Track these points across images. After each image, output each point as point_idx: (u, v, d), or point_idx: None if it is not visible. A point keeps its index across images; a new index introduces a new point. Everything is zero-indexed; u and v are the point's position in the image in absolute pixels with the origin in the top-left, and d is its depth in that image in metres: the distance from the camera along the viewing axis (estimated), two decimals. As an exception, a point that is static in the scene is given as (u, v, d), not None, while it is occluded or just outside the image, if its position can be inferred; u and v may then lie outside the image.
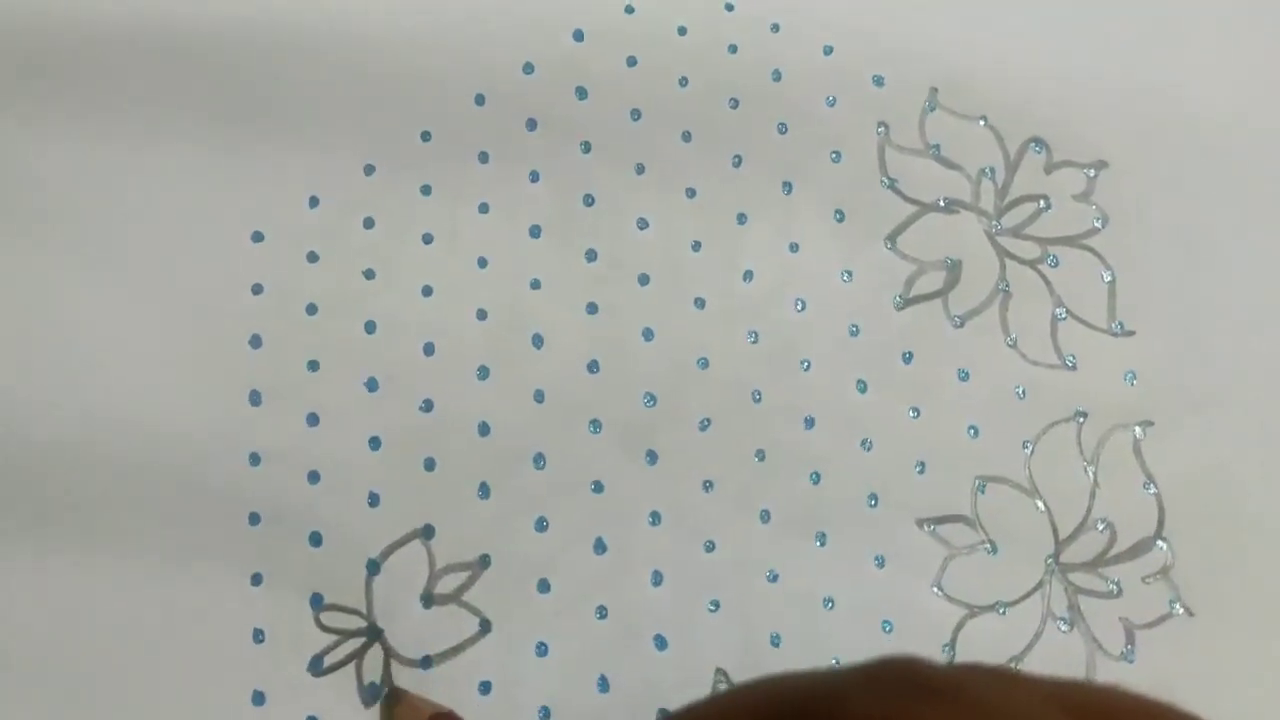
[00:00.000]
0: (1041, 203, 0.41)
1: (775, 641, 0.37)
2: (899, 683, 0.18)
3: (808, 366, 0.39)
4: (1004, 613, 0.38)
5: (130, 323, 0.38)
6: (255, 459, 0.37)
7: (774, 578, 0.37)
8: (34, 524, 0.36)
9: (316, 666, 0.36)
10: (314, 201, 0.40)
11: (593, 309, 0.39)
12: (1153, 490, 0.39)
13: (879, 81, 0.42)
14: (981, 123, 0.42)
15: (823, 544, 0.38)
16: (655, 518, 0.38)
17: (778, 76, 0.42)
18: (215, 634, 0.36)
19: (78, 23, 0.41)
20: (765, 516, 0.38)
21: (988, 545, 0.38)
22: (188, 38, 0.41)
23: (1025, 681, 0.20)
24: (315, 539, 0.36)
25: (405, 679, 0.35)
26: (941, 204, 0.41)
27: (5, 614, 0.35)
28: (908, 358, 0.40)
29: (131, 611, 0.36)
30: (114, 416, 0.37)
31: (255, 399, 0.37)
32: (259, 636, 0.36)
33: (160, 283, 0.39)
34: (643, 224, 0.40)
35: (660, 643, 0.37)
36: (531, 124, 0.41)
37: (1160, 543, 0.38)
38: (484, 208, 0.40)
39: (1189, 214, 0.42)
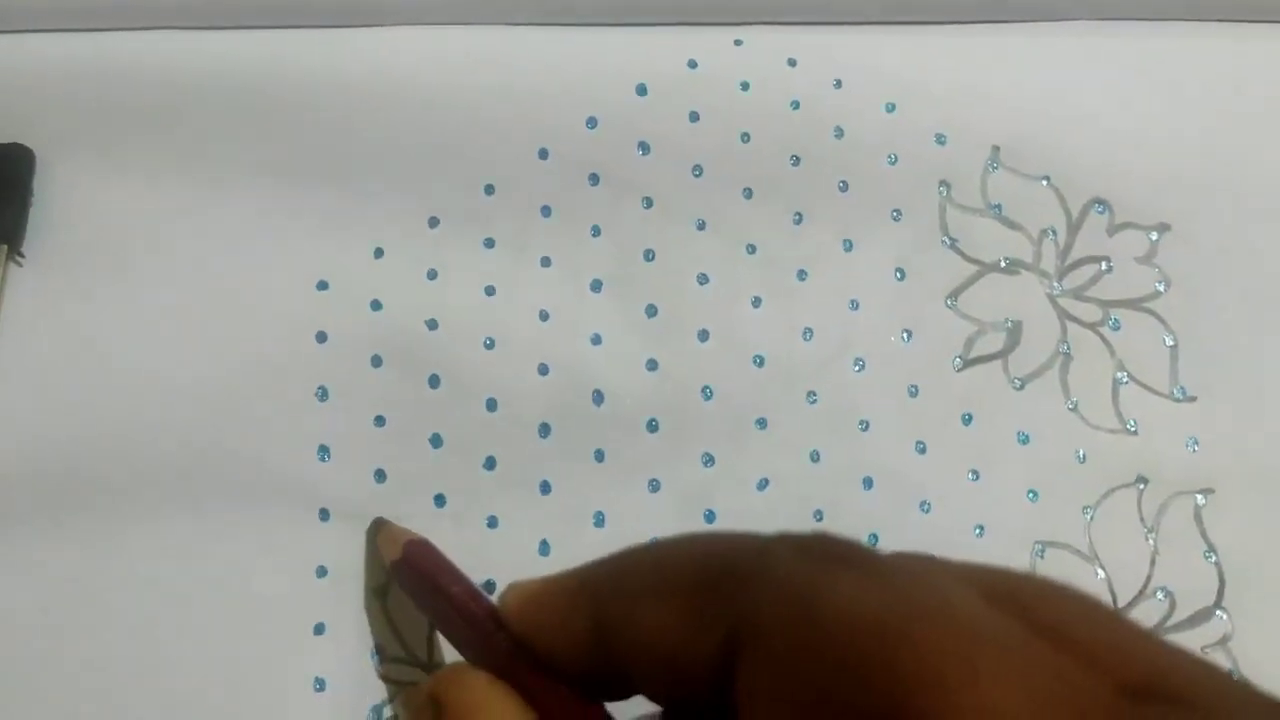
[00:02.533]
0: (1103, 265, 0.41)
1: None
2: (823, 551, 0.19)
3: (866, 427, 0.39)
4: (1062, 680, 0.37)
5: (195, 371, 0.39)
6: (325, 514, 0.37)
7: (831, 640, 0.37)
8: (94, 574, 0.37)
9: (377, 718, 0.36)
10: (379, 252, 0.40)
11: (652, 366, 0.40)
12: (1213, 559, 0.39)
13: (941, 140, 0.42)
14: (1044, 183, 0.42)
15: (880, 607, 0.38)
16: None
17: (839, 134, 0.42)
18: (276, 684, 0.36)
19: (147, 73, 0.41)
20: (823, 578, 0.38)
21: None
22: (255, 89, 0.41)
23: (944, 562, 0.21)
24: (378, 592, 0.37)
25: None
26: (1003, 264, 0.41)
27: (63, 649, 0.36)
28: (967, 419, 0.40)
29: (189, 660, 0.36)
30: (178, 467, 0.38)
31: (323, 454, 0.38)
32: (320, 686, 0.36)
33: (225, 331, 0.39)
34: (703, 279, 0.41)
35: (718, 704, 0.37)
36: (594, 178, 0.41)
37: (1220, 612, 0.38)
38: (546, 261, 0.41)
39: (1253, 278, 0.41)
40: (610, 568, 0.24)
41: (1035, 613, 0.18)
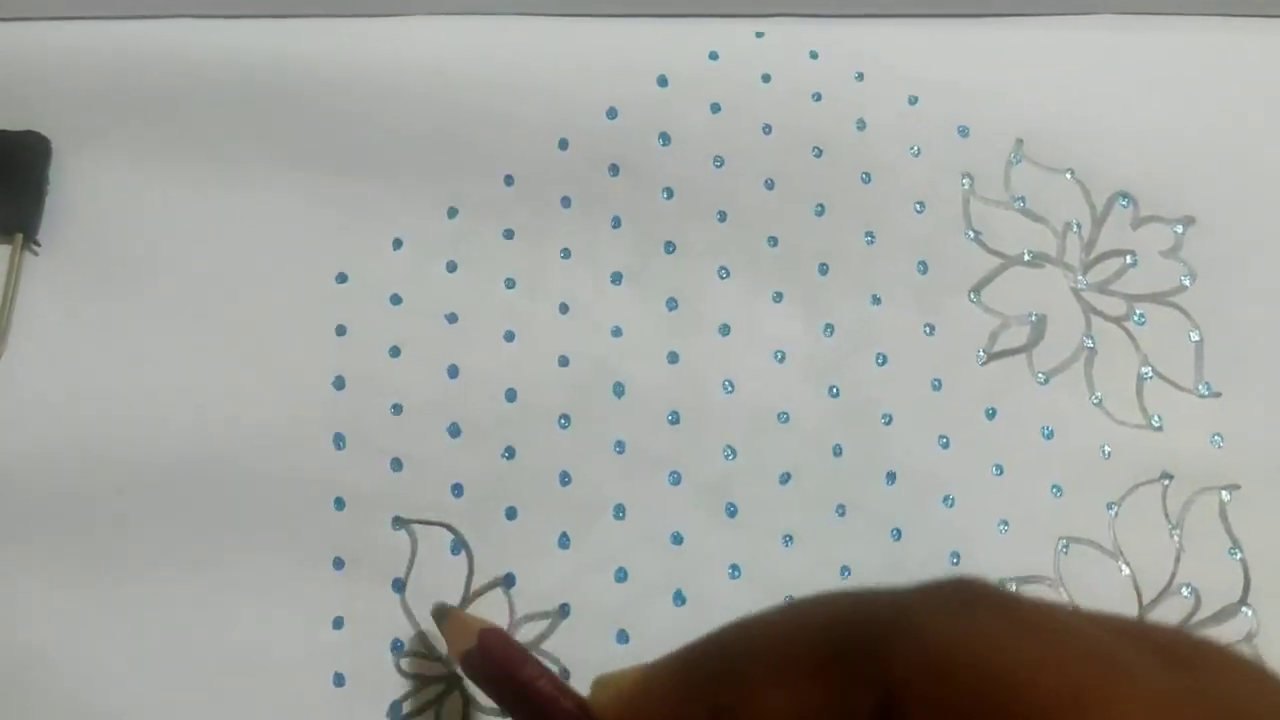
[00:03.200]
0: (1128, 258, 0.41)
1: (854, 700, 0.37)
2: (960, 596, 0.18)
3: (889, 421, 0.39)
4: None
5: (212, 363, 0.38)
6: (340, 503, 0.37)
7: (854, 635, 0.37)
8: (115, 565, 0.36)
9: (396, 713, 0.36)
10: (398, 244, 0.40)
11: (673, 358, 0.39)
12: (1239, 556, 0.38)
13: (964, 132, 0.42)
14: (1068, 175, 0.42)
15: (903, 602, 0.37)
16: (735, 571, 0.37)
17: (862, 126, 0.42)
18: (295, 678, 0.36)
19: (164, 63, 0.41)
20: (845, 572, 0.38)
21: (1071, 607, 0.38)
22: (273, 81, 0.41)
23: (1093, 613, 0.19)
24: (397, 585, 0.37)
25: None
26: (1026, 258, 0.41)
27: (81, 648, 0.36)
28: (991, 414, 0.39)
29: (208, 653, 0.36)
30: (195, 458, 0.37)
31: (339, 442, 0.38)
32: (339, 680, 0.36)
33: (243, 322, 0.39)
34: (724, 273, 0.40)
35: (739, 699, 0.36)
36: (614, 169, 0.41)
37: (1246, 609, 0.38)
38: (566, 253, 0.40)
39: (1279, 272, 0.41)
40: (716, 652, 0.22)
41: (1203, 673, 0.17)
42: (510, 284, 0.40)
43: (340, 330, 0.39)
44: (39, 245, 0.40)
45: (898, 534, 0.38)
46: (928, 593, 0.19)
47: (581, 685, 0.36)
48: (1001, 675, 0.16)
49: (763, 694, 0.19)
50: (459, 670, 0.34)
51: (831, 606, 0.20)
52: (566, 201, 0.41)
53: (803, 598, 0.20)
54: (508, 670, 0.30)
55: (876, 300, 0.40)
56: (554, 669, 0.36)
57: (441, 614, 0.35)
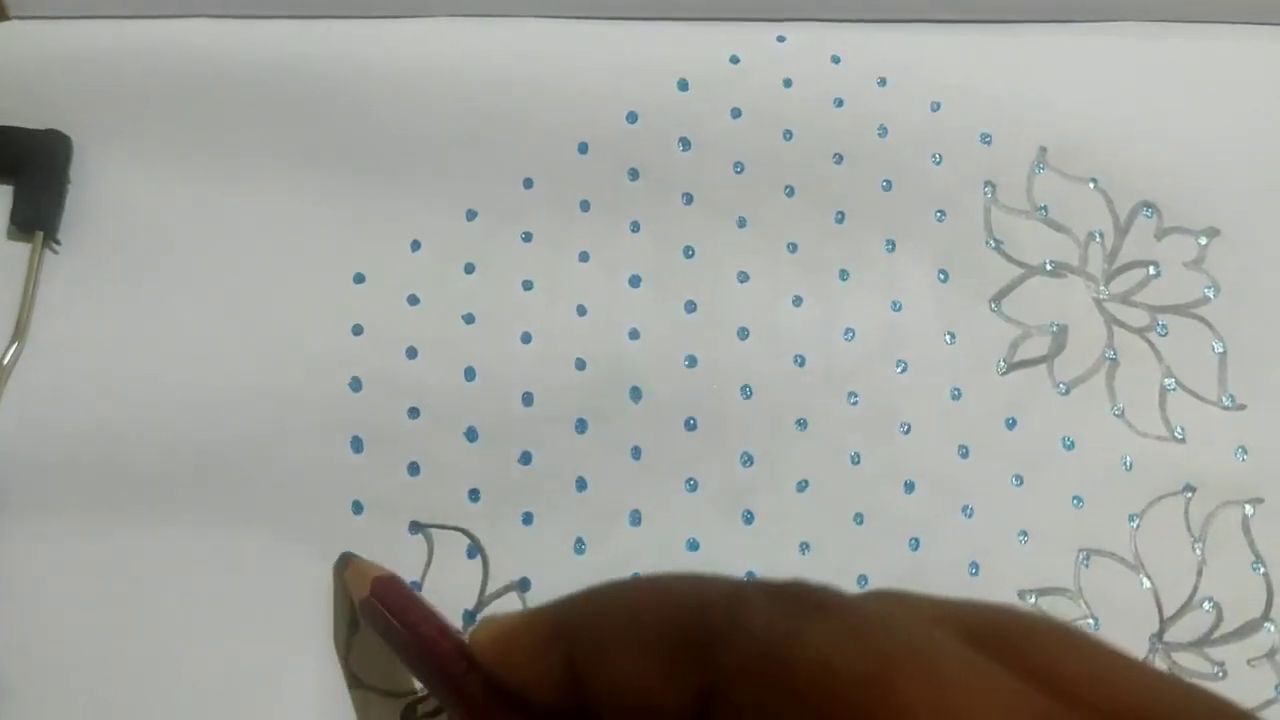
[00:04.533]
0: (1151, 269, 0.41)
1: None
2: (796, 600, 0.19)
3: (908, 430, 0.39)
4: (1105, 691, 0.37)
5: (230, 362, 0.38)
6: (358, 506, 0.37)
7: (871, 645, 0.37)
8: (132, 561, 0.36)
9: (410, 716, 0.36)
10: (416, 245, 0.40)
11: (691, 363, 0.39)
12: (1261, 570, 0.38)
13: (986, 140, 0.42)
14: (1091, 185, 0.41)
15: (921, 613, 0.37)
16: (751, 577, 0.37)
17: (883, 132, 0.42)
18: (310, 680, 0.36)
19: (185, 62, 0.41)
20: (863, 581, 0.37)
21: (1091, 620, 0.37)
22: (294, 80, 0.41)
23: (918, 600, 0.21)
24: (414, 587, 0.36)
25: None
26: (1048, 267, 0.40)
27: (96, 645, 0.36)
28: (1011, 424, 0.39)
29: (224, 654, 0.36)
30: (213, 458, 0.37)
31: (357, 445, 0.38)
32: (355, 683, 0.36)
33: (261, 322, 0.39)
34: (743, 277, 0.40)
35: (755, 707, 0.36)
36: (634, 174, 0.41)
37: (1268, 625, 0.38)
38: (584, 256, 0.40)
39: (1304, 285, 0.41)
40: (585, 608, 0.23)
41: (1020, 651, 0.18)
42: (528, 286, 0.40)
43: (357, 330, 0.39)
44: (59, 244, 0.40)
45: (916, 544, 0.38)
46: (761, 591, 0.20)
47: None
48: (804, 667, 0.17)
49: (616, 654, 0.20)
50: (360, 618, 0.35)
51: (688, 584, 0.21)
52: (586, 205, 0.41)
53: (678, 573, 0.21)
54: (397, 615, 0.31)
55: (897, 307, 0.40)
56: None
57: (343, 563, 0.36)
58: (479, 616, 0.26)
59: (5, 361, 0.38)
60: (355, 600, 0.34)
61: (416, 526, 0.37)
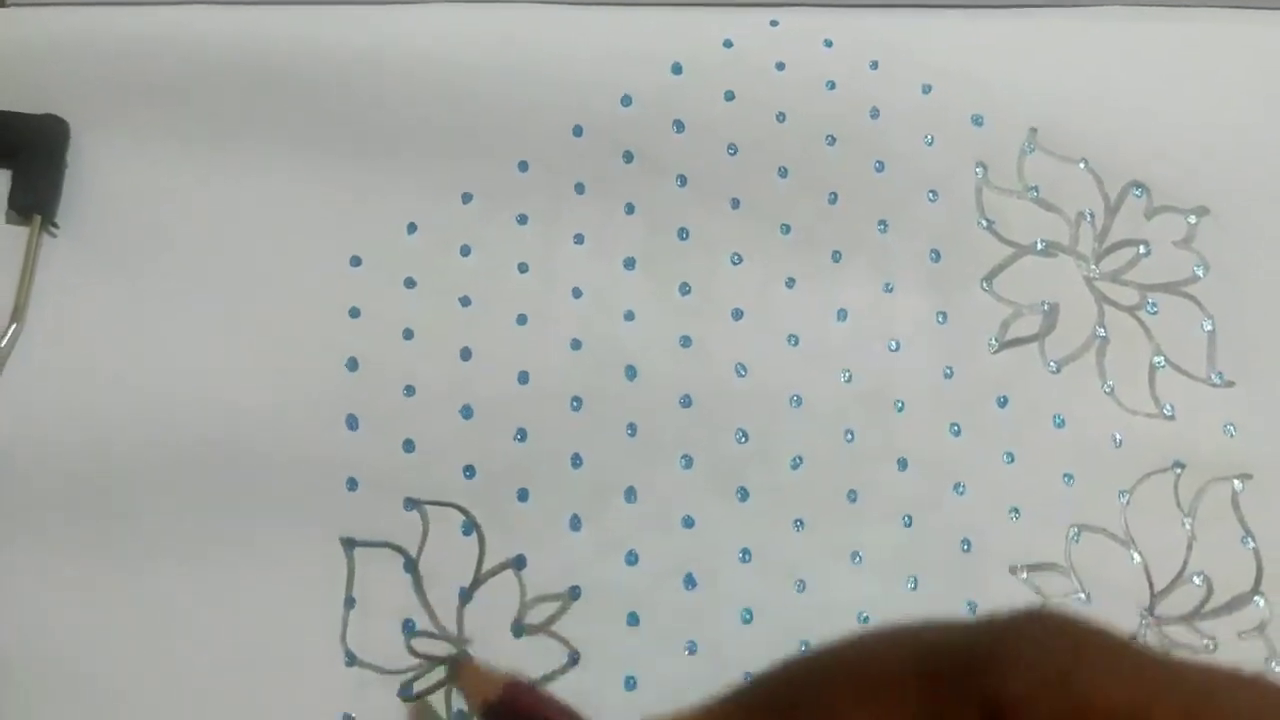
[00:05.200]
0: (1141, 248, 0.41)
1: (864, 685, 0.37)
2: (1064, 631, 0.18)
3: (901, 408, 0.39)
4: (1097, 664, 0.37)
5: (227, 344, 0.39)
6: (352, 483, 0.37)
7: (865, 619, 0.37)
8: (131, 542, 0.37)
9: (407, 693, 0.36)
10: (412, 228, 0.40)
11: (686, 342, 0.39)
12: (1251, 545, 0.38)
13: (978, 121, 0.42)
14: (1081, 165, 0.42)
15: (914, 588, 0.37)
16: (746, 555, 0.38)
17: (875, 114, 0.42)
18: (307, 657, 0.36)
19: (181, 47, 0.42)
20: (856, 558, 0.38)
21: (1082, 595, 0.38)
22: (289, 66, 0.41)
23: (1188, 661, 0.20)
24: (409, 566, 0.37)
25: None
26: (1039, 247, 0.41)
27: (97, 626, 0.36)
28: (1002, 402, 0.39)
29: (222, 632, 0.36)
30: (210, 438, 0.38)
31: (352, 423, 0.38)
32: (351, 660, 0.36)
33: (258, 305, 0.39)
34: (736, 259, 0.41)
35: (749, 682, 0.36)
36: (628, 156, 0.41)
37: (1258, 598, 0.38)
38: (579, 239, 0.41)
39: (1293, 263, 0.41)
40: (780, 687, 0.21)
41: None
42: (523, 268, 0.40)
43: (354, 313, 0.39)
44: (57, 227, 0.40)
45: (908, 520, 0.38)
46: (1018, 620, 0.19)
47: (594, 670, 0.36)
48: (1113, 699, 0.17)
49: (848, 714, 0.19)
50: None
51: (917, 634, 0.20)
52: (580, 187, 0.41)
53: (867, 632, 0.20)
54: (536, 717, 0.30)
55: (889, 288, 0.40)
56: (564, 651, 0.36)
57: (455, 667, 0.34)
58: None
59: (3, 343, 0.38)
60: (474, 704, 0.32)
61: (411, 503, 0.37)
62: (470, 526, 0.37)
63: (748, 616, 0.37)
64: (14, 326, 0.39)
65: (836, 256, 0.41)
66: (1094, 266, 0.41)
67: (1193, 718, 0.17)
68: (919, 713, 0.18)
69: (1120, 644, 0.18)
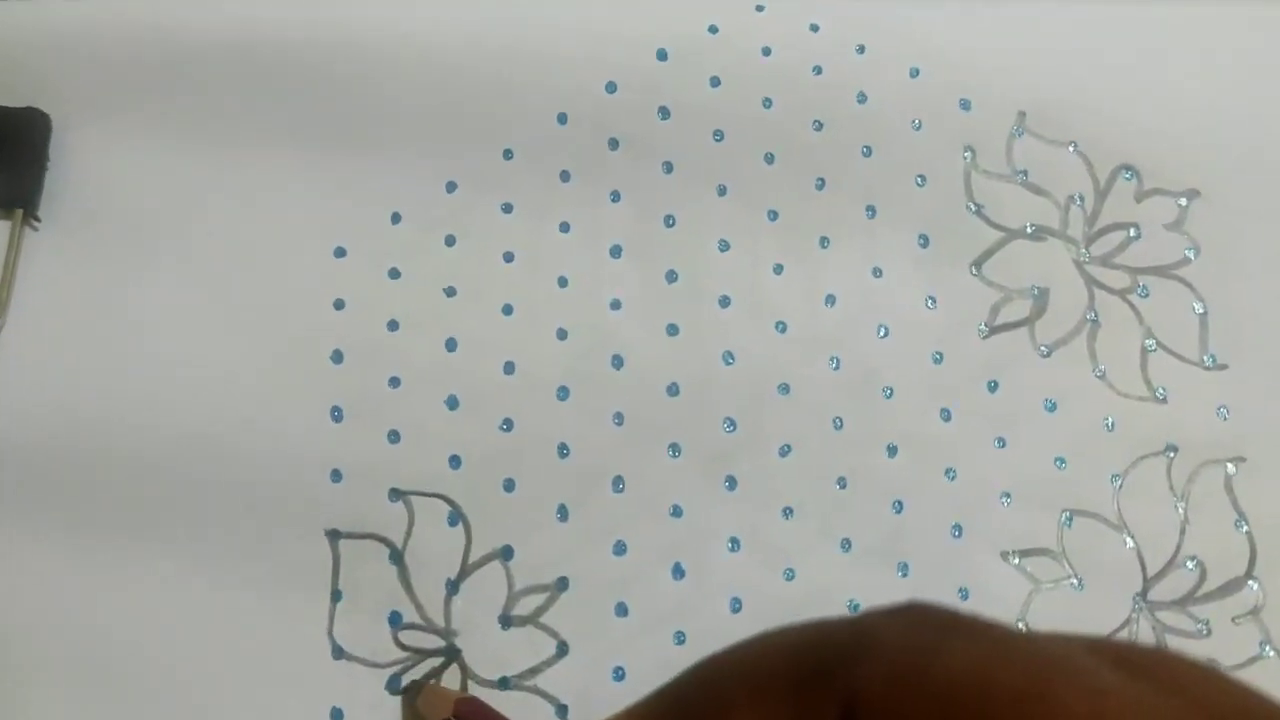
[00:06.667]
0: (1131, 231, 0.41)
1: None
2: (925, 620, 0.19)
3: (890, 394, 0.39)
4: (1090, 650, 0.37)
5: (211, 337, 0.38)
6: (336, 475, 0.37)
7: (855, 607, 0.37)
8: (116, 536, 0.36)
9: (394, 685, 0.36)
10: (396, 218, 0.40)
11: (673, 330, 0.39)
12: (1244, 528, 0.38)
13: (966, 105, 0.42)
14: (1071, 148, 0.41)
15: (905, 574, 0.37)
16: (734, 544, 0.37)
17: (863, 99, 0.42)
18: (294, 650, 0.36)
19: (163, 38, 0.41)
20: (846, 545, 0.37)
21: (1074, 580, 0.37)
22: (271, 55, 0.41)
23: (1059, 634, 0.20)
24: (395, 557, 0.36)
25: (482, 699, 0.35)
26: (1029, 231, 0.40)
27: (83, 619, 0.36)
28: (993, 387, 0.39)
29: (208, 625, 0.36)
30: (194, 431, 0.37)
31: (337, 415, 0.38)
32: (338, 653, 0.36)
33: (242, 297, 0.39)
34: (724, 246, 0.40)
35: (739, 671, 0.36)
36: (614, 143, 0.41)
37: (1251, 582, 0.38)
38: (565, 227, 0.40)
39: (1284, 245, 0.41)
40: (694, 681, 0.22)
41: (1155, 675, 0.18)
42: (509, 258, 0.40)
43: (339, 304, 0.39)
44: (39, 221, 0.40)
45: (899, 506, 0.38)
46: (882, 614, 0.19)
47: (582, 661, 0.36)
48: (954, 679, 0.17)
49: (741, 714, 0.19)
50: None
51: (797, 634, 0.20)
52: (566, 175, 0.41)
53: (768, 629, 0.21)
54: None
55: (878, 273, 0.40)
56: (553, 643, 0.36)
57: (414, 690, 0.35)
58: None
59: (-15, 337, 0.38)
60: None
61: (396, 494, 0.37)
62: (456, 517, 0.37)
63: (737, 606, 0.37)
64: (-4, 321, 0.38)
65: (824, 242, 0.40)
66: (1084, 250, 0.40)
67: (1029, 679, 0.17)
68: (792, 713, 0.19)
69: (981, 625, 0.19)
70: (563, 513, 0.37)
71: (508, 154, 0.41)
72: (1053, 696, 0.16)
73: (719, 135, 0.41)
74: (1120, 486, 0.38)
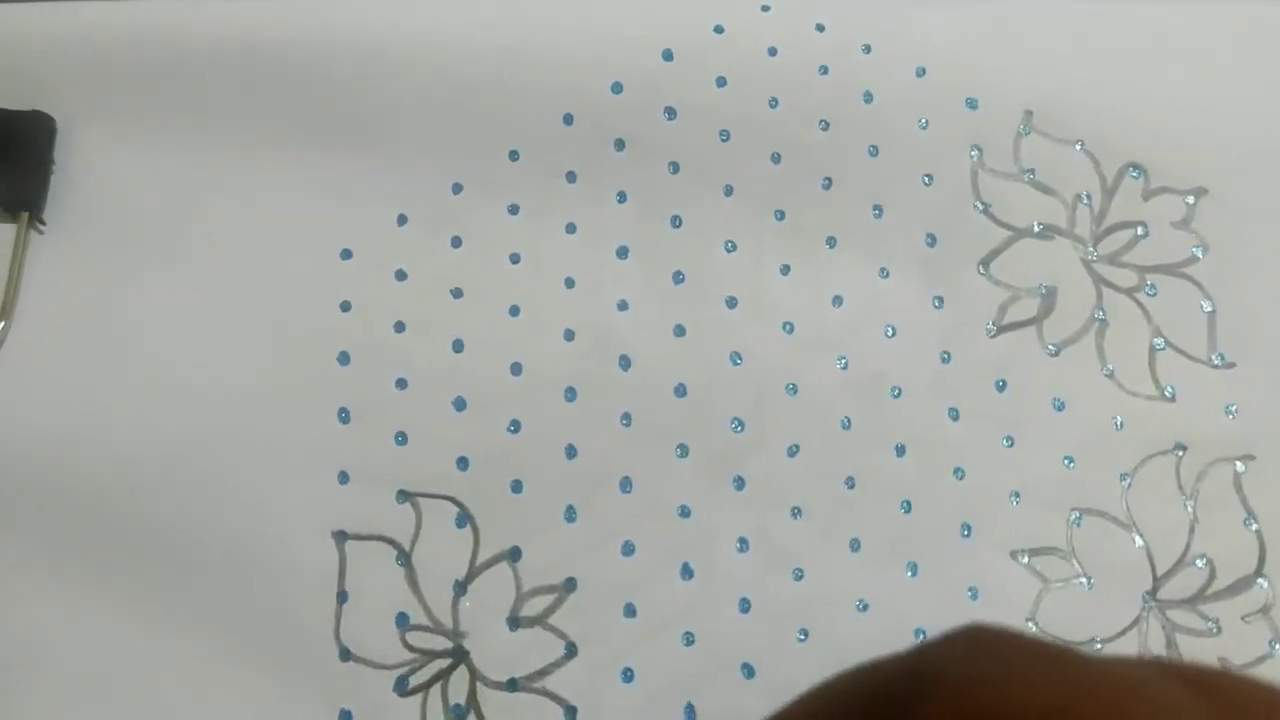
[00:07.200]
0: (1139, 230, 0.40)
1: (865, 673, 0.36)
2: (983, 646, 0.18)
3: (898, 394, 0.39)
4: (1100, 649, 0.37)
5: (217, 339, 0.38)
6: (344, 477, 0.37)
7: (864, 608, 0.37)
8: (121, 538, 0.36)
9: (402, 687, 0.35)
10: (402, 220, 0.40)
11: (680, 331, 0.39)
12: (1254, 526, 0.38)
13: (972, 104, 0.42)
14: (1078, 147, 0.41)
15: (914, 574, 0.37)
16: (743, 544, 0.37)
17: (869, 98, 0.41)
18: (302, 652, 0.35)
19: (168, 40, 0.41)
20: (855, 545, 0.37)
21: (1083, 579, 0.37)
22: (276, 58, 0.41)
23: (1123, 657, 0.20)
24: (402, 559, 0.36)
25: (490, 701, 0.35)
26: (1036, 229, 0.40)
27: (89, 622, 0.36)
28: (1001, 386, 0.39)
29: (216, 627, 0.36)
30: (200, 433, 0.37)
31: (344, 416, 0.37)
32: (345, 655, 0.35)
33: (250, 299, 0.39)
34: (730, 246, 0.40)
35: (748, 671, 0.36)
36: (620, 144, 0.41)
37: (1261, 580, 0.37)
38: (571, 228, 0.40)
39: (1292, 243, 0.40)
40: None
41: (1227, 697, 0.17)
42: (515, 259, 0.40)
43: (345, 306, 0.39)
44: (44, 224, 0.40)
45: (908, 506, 0.38)
46: (941, 644, 0.19)
47: (591, 662, 0.36)
48: (1034, 709, 0.16)
49: None
50: None
51: (853, 679, 0.20)
52: (572, 176, 0.41)
53: (816, 685, 0.20)
54: None
55: (885, 273, 0.40)
56: (561, 644, 0.36)
57: None
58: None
59: (-9, 340, 0.38)
60: None
61: (404, 495, 0.37)
62: (464, 519, 0.37)
63: (745, 606, 0.37)
64: (2, 324, 0.38)
65: (831, 242, 0.40)
66: (1092, 249, 0.40)
67: (1107, 707, 0.16)
68: None
69: (1051, 651, 0.18)
70: (570, 514, 0.37)
71: (513, 155, 0.41)
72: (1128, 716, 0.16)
73: (725, 135, 0.41)
74: (1129, 485, 0.38)
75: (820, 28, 0.42)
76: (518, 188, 0.40)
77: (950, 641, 0.19)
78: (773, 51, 0.42)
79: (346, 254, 0.39)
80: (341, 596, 0.36)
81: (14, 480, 0.37)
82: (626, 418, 0.38)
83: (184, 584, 0.36)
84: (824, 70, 0.42)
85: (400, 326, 0.39)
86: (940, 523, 0.37)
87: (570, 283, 0.39)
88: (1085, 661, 0.18)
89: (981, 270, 0.40)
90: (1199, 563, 0.37)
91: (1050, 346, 0.39)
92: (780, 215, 0.40)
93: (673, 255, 0.40)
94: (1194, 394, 0.39)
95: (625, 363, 0.39)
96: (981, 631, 0.19)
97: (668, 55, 0.42)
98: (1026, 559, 0.37)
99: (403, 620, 0.36)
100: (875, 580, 0.37)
